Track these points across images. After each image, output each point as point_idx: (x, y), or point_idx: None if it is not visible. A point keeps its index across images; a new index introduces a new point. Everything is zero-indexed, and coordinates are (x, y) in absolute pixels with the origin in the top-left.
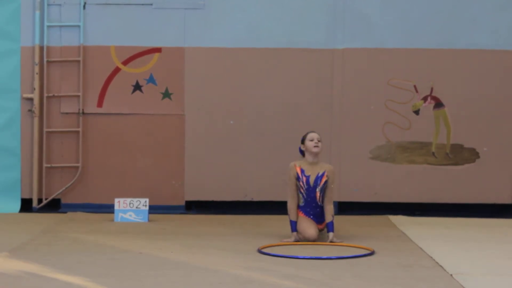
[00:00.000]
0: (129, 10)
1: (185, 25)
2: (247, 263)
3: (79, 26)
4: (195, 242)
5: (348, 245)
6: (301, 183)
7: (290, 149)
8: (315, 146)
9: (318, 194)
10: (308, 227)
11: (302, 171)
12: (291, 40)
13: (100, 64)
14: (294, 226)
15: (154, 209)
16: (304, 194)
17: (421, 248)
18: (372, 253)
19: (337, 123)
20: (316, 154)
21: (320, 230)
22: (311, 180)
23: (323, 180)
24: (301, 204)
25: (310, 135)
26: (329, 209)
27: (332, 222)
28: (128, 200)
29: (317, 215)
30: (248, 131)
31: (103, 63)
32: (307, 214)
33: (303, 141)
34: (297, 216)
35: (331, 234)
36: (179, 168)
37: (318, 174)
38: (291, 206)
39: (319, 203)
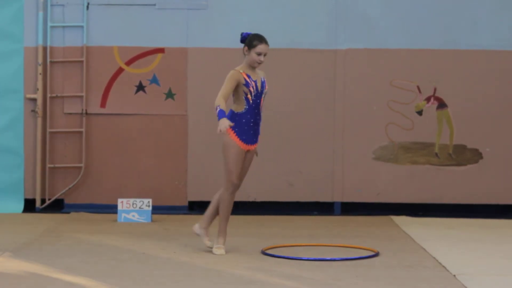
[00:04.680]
0: (132, 11)
1: (188, 25)
2: (250, 263)
3: (82, 26)
4: (198, 243)
5: (353, 246)
6: (250, 88)
7: (292, 149)
8: (259, 62)
9: (262, 100)
10: (237, 169)
11: (248, 76)
12: (293, 40)
13: (103, 65)
14: (222, 113)
15: (157, 209)
16: (251, 100)
17: (424, 249)
18: (376, 255)
19: (339, 123)
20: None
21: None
22: (258, 85)
23: (266, 86)
24: (243, 111)
25: (259, 48)
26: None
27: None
28: (131, 200)
29: (257, 123)
30: None
31: (106, 63)
32: (247, 122)
33: (248, 44)
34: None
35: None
36: (182, 169)
37: (261, 79)
38: (221, 103)
39: (260, 111)
